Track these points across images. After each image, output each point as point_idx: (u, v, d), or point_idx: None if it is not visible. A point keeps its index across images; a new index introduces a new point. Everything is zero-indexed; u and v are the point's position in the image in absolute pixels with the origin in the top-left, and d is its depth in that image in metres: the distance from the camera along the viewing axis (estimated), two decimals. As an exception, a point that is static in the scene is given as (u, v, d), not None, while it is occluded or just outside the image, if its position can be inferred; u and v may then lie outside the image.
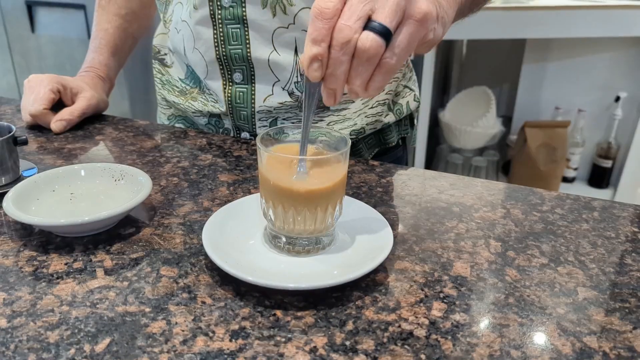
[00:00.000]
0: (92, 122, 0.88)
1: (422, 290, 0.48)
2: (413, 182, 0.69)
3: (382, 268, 0.51)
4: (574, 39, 2.12)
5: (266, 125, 0.77)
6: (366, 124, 0.78)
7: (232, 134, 0.81)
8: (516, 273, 0.51)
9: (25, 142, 0.66)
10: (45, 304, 0.45)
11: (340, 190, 0.50)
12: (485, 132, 2.22)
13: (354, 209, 0.57)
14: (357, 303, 0.46)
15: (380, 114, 0.79)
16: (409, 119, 0.89)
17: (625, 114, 2.14)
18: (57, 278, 0.49)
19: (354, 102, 0.77)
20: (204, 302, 0.46)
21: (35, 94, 0.82)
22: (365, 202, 0.59)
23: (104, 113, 0.94)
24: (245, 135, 0.80)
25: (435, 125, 2.35)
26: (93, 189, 0.60)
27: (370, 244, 0.51)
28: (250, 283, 0.45)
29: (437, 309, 0.46)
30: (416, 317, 0.45)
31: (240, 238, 0.53)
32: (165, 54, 0.85)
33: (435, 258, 0.53)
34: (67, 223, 0.52)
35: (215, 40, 0.71)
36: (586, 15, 1.92)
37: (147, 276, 0.49)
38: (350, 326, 0.43)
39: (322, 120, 0.76)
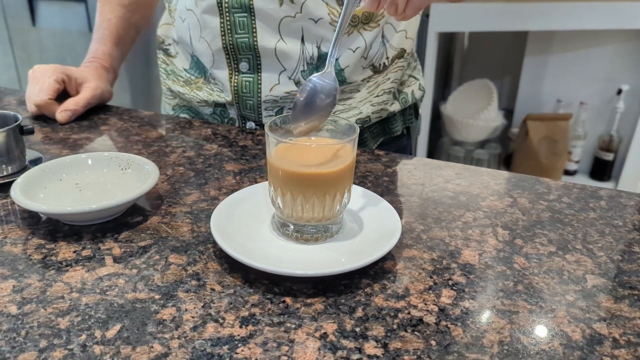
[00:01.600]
0: (96, 112, 0.88)
1: (431, 277, 0.48)
2: (419, 172, 0.69)
3: (390, 256, 0.51)
4: (576, 32, 2.12)
5: (272, 115, 0.77)
6: (372, 113, 0.78)
7: (237, 124, 0.81)
8: (524, 261, 0.51)
9: (31, 132, 0.66)
10: (55, 290, 0.45)
11: (348, 177, 0.50)
12: (487, 125, 2.22)
13: (362, 197, 0.57)
14: (366, 290, 0.46)
15: (385, 102, 0.79)
16: (414, 109, 0.88)
17: (627, 106, 2.14)
18: (66, 266, 0.49)
19: (359, 91, 0.77)
20: (213, 289, 0.46)
21: (40, 84, 0.82)
22: (373, 191, 0.59)
23: (108, 104, 0.94)
24: (250, 125, 0.80)
25: (437, 118, 2.35)
26: (100, 177, 0.60)
27: (378, 232, 0.51)
28: (259, 270, 0.46)
29: (446, 296, 0.46)
30: (425, 304, 0.45)
31: (249, 226, 0.53)
32: (169, 44, 0.85)
33: (444, 246, 0.53)
34: (74, 211, 0.52)
35: (222, 29, 0.71)
36: (588, 8, 1.92)
37: (155, 264, 0.49)
38: (359, 313, 0.43)
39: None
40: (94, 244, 0.52)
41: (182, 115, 0.87)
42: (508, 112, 2.37)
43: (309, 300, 0.45)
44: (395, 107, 0.81)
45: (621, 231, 0.56)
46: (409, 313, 0.44)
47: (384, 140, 0.84)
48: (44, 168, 0.58)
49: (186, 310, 0.43)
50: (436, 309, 0.44)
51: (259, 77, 0.72)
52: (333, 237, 0.51)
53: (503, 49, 2.40)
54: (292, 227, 0.51)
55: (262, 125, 0.78)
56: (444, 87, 2.54)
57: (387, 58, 0.76)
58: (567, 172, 2.32)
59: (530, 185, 0.66)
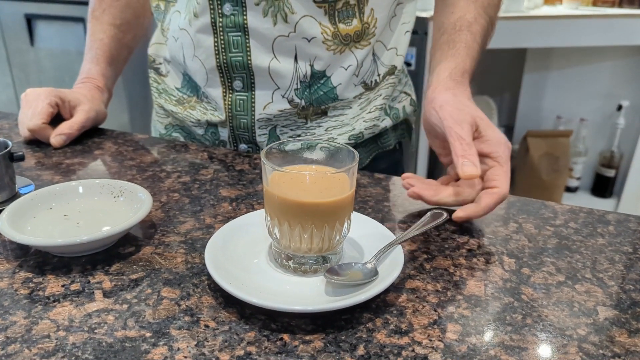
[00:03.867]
0: (90, 136, 0.86)
1: (435, 311, 0.46)
2: (421, 196, 0.67)
3: (392, 288, 0.49)
4: (575, 48, 2.11)
5: (265, 134, 0.76)
6: (364, 129, 0.77)
7: (228, 146, 0.80)
8: (532, 291, 0.49)
9: (22, 158, 0.64)
10: (41, 329, 0.43)
11: (349, 206, 0.48)
12: (487, 142, 2.20)
13: (362, 224, 0.55)
14: (367, 326, 0.44)
15: (377, 118, 0.79)
16: (406, 123, 0.88)
17: (628, 122, 2.13)
18: (54, 301, 0.47)
19: (351, 107, 0.76)
20: (207, 326, 0.44)
21: (33, 108, 0.80)
22: (373, 217, 0.57)
23: (103, 126, 0.92)
24: (242, 147, 0.79)
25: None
26: (91, 206, 0.58)
27: (379, 262, 0.49)
28: (255, 305, 0.43)
29: (451, 331, 0.43)
30: (430, 340, 0.42)
31: (244, 257, 0.51)
32: (160, 63, 0.85)
33: (448, 276, 0.51)
34: (64, 243, 0.50)
35: (216, 47, 0.71)
36: (587, 24, 1.91)
37: (147, 298, 0.47)
38: (361, 350, 0.41)
39: (320, 127, 0.75)
40: (83, 276, 0.50)
41: (174, 134, 0.86)
42: (508, 129, 2.36)
43: (307, 337, 0.43)
44: (387, 122, 0.81)
45: (631, 258, 0.54)
46: (413, 350, 0.41)
47: (377, 155, 0.83)
48: (33, 197, 0.56)
49: (178, 349, 0.41)
50: (442, 345, 0.42)
51: (253, 96, 0.72)
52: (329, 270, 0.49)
53: (502, 66, 2.40)
54: (289, 258, 0.49)
55: (254, 146, 0.78)
56: (443, 104, 2.53)
57: (379, 75, 0.77)
58: (569, 189, 2.30)
59: (535, 210, 0.64)
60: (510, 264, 0.53)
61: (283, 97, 0.72)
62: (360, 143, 0.80)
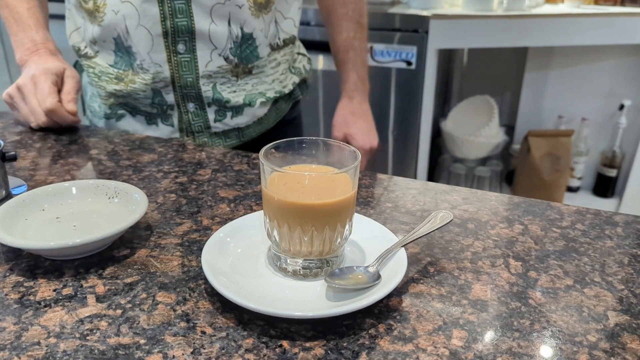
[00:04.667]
0: (86, 135, 0.85)
1: (440, 316, 0.44)
2: (423, 197, 0.65)
3: (395, 292, 0.47)
4: (576, 47, 2.10)
5: (209, 90, 0.84)
6: (282, 87, 0.92)
7: (176, 108, 0.85)
8: (540, 296, 0.47)
9: (14, 158, 0.63)
10: (31, 335, 0.42)
11: (350, 207, 0.46)
12: (488, 142, 2.19)
13: (363, 226, 0.53)
14: (370, 332, 0.42)
15: (285, 76, 0.94)
16: (304, 82, 1.02)
17: (629, 122, 2.11)
18: (45, 306, 0.45)
19: (266, 66, 0.88)
20: (203, 332, 0.42)
21: (39, 93, 0.80)
22: (374, 219, 0.56)
23: (99, 126, 0.91)
24: (190, 105, 0.85)
25: (437, 135, 2.32)
26: (85, 207, 0.57)
27: (382, 265, 0.48)
28: (253, 311, 0.42)
29: (457, 338, 0.42)
30: (435, 347, 0.41)
31: (243, 260, 0.49)
32: (86, 47, 0.87)
33: (452, 280, 0.49)
34: (56, 246, 0.48)
35: (162, 15, 0.78)
36: (589, 23, 1.90)
37: (142, 303, 0.45)
38: (364, 358, 0.40)
39: (247, 84, 0.87)
40: (76, 280, 0.48)
41: (120, 111, 0.88)
42: (509, 129, 2.35)
43: (308, 344, 0.41)
44: (295, 79, 0.96)
45: (641, 261, 0.53)
46: (417, 358, 0.40)
47: (282, 120, 0.96)
48: (25, 198, 0.55)
49: (173, 357, 0.39)
50: (447, 352, 0.40)
51: (195, 56, 0.81)
52: (331, 274, 0.48)
53: (503, 65, 2.39)
54: (289, 262, 0.47)
55: (201, 104, 0.85)
56: (443, 103, 2.51)
57: (279, 39, 0.90)
58: (570, 189, 2.29)
59: (541, 211, 0.62)
60: (516, 267, 0.51)
61: (220, 55, 0.82)
62: (281, 97, 0.94)
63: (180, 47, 0.80)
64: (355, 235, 0.52)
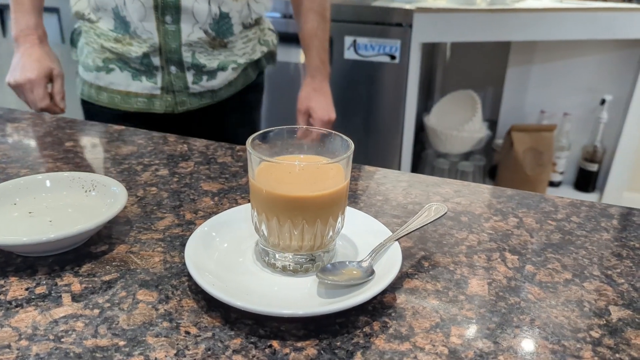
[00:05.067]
0: (62, 127, 0.81)
1: (437, 312, 0.42)
2: (415, 190, 0.63)
3: (389, 288, 0.45)
4: (559, 42, 2.10)
5: (189, 56, 0.94)
6: (251, 55, 1.03)
7: (160, 70, 0.95)
8: (539, 290, 0.45)
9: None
10: (1, 337, 0.38)
11: (343, 199, 0.44)
12: (471, 137, 2.19)
13: (354, 220, 0.51)
14: (365, 330, 0.40)
15: (255, 49, 1.05)
16: (272, 55, 1.12)
17: (611, 117, 2.13)
18: (16, 306, 0.42)
19: (238, 42, 0.99)
20: (188, 332, 0.39)
21: (36, 96, 0.93)
22: (365, 212, 0.54)
23: (76, 118, 0.87)
24: (172, 68, 0.94)
25: (420, 130, 2.31)
26: (60, 201, 0.54)
27: (375, 260, 0.46)
28: (241, 309, 0.39)
29: (455, 335, 0.40)
30: (433, 346, 0.39)
31: (228, 256, 0.46)
32: (90, 13, 0.96)
33: (448, 275, 0.47)
34: (29, 242, 0.45)
35: None
36: (571, 18, 1.90)
37: (121, 302, 0.43)
38: (358, 358, 0.37)
39: (220, 54, 0.97)
40: (50, 279, 0.45)
41: (111, 65, 0.96)
42: (492, 124, 2.35)
43: (299, 344, 0.39)
44: (263, 49, 1.07)
45: (639, 254, 0.51)
46: (415, 357, 0.38)
47: (249, 86, 1.07)
48: (-5, 191, 0.51)
49: (156, 359, 0.37)
50: (446, 351, 0.38)
51: (179, 27, 0.92)
52: (322, 270, 0.45)
53: (485, 60, 2.39)
54: (278, 257, 0.45)
55: (181, 66, 0.95)
56: (426, 98, 2.51)
57: (252, 18, 1.02)
58: (552, 184, 2.30)
59: (535, 204, 0.61)
60: (513, 261, 0.50)
61: (200, 28, 0.93)
62: (249, 65, 1.05)
63: (168, 19, 0.91)
64: (346, 229, 0.49)
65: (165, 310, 0.42)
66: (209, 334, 0.39)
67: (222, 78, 0.98)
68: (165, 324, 0.40)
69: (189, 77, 0.95)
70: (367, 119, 1.98)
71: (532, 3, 2.02)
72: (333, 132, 0.46)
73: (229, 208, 0.55)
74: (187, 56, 0.94)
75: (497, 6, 1.95)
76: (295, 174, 0.43)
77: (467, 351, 0.38)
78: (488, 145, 2.35)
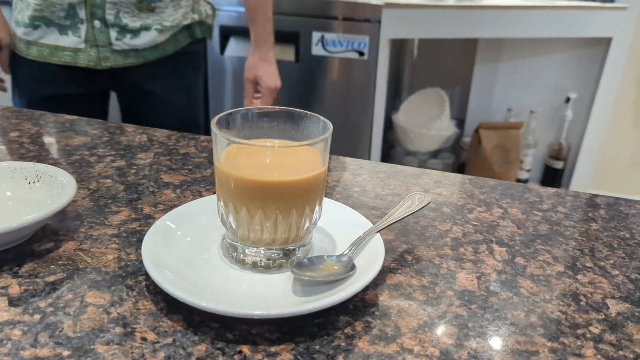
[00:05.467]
0: (7, 117, 0.74)
1: (425, 310, 0.38)
2: (393, 181, 0.60)
3: (371, 284, 0.41)
4: (525, 40, 2.11)
5: (112, 14, 0.93)
6: (182, 20, 1.02)
7: (85, 23, 0.94)
8: (531, 284, 0.42)
9: None
10: None
11: (320, 186, 0.40)
12: (439, 134, 2.18)
13: (331, 211, 0.47)
14: (346, 331, 0.36)
15: (188, 13, 1.04)
16: (207, 26, 1.11)
17: (575, 114, 2.15)
18: (-59, 313, 0.36)
19: (168, 7, 0.99)
20: (144, 339, 0.34)
21: None
22: (342, 204, 0.49)
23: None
24: (97, 22, 0.93)
25: (389, 128, 2.29)
26: (-1, 193, 0.48)
27: (356, 255, 0.41)
28: (206, 311, 0.35)
29: (446, 335, 0.36)
30: (423, 347, 0.35)
31: (192, 252, 0.41)
32: None
33: (434, 269, 0.43)
34: (-42, 238, 0.39)
35: None
36: (537, 15, 1.91)
37: (67, 305, 0.37)
38: (340, 363, 0.33)
39: (148, 18, 0.96)
40: (-16, 281, 0.39)
41: (36, 22, 0.94)
42: (460, 122, 2.35)
43: (273, 349, 0.34)
44: (195, 16, 1.05)
45: (631, 244, 0.49)
46: (403, 360, 0.34)
47: (190, 42, 1.06)
48: None
49: (106, 371, 0.32)
50: (437, 352, 0.34)
51: None
52: (298, 265, 0.41)
53: (453, 58, 2.38)
54: (248, 252, 0.40)
55: (105, 22, 0.94)
56: (394, 96, 2.49)
57: None
58: (519, 181, 2.31)
59: (519, 194, 0.58)
60: (501, 253, 0.46)
61: None
62: (179, 31, 1.03)
63: None
64: (323, 221, 0.45)
65: (118, 314, 0.37)
66: (169, 339, 0.34)
67: (146, 38, 0.97)
68: (118, 330, 0.35)
69: (112, 33, 0.95)
70: (335, 116, 1.94)
71: (499, 0, 2.02)
72: (309, 112, 0.41)
73: (192, 200, 0.50)
74: (110, 14, 0.94)
75: (465, 3, 1.94)
76: (268, 158, 0.38)
77: (460, 352, 0.35)
78: (456, 143, 2.34)
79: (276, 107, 0.41)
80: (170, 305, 0.37)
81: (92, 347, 0.33)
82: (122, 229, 0.47)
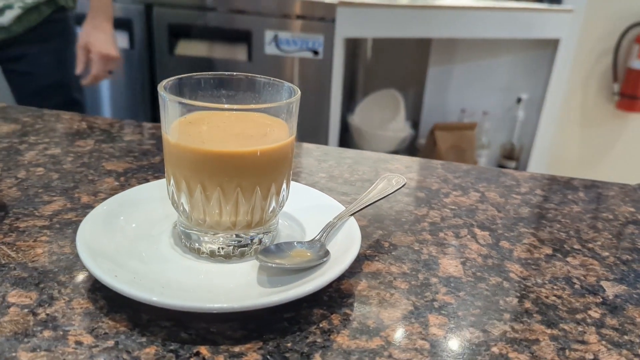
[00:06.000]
0: None
1: (408, 299, 0.34)
2: (361, 166, 0.55)
3: (346, 273, 0.36)
4: (478, 41, 2.13)
5: None
6: None
7: None
8: (520, 268, 0.38)
9: None
10: None
11: (288, 160, 0.35)
12: (395, 136, 2.16)
13: (298, 194, 0.42)
14: (321, 325, 0.31)
15: None
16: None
17: (527, 115, 2.18)
18: None
19: None
20: (79, 343, 0.28)
21: None
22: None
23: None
24: None
25: (344, 129, 2.26)
26: None
27: (328, 240, 0.36)
28: (155, 306, 0.29)
29: (436, 325, 0.32)
30: (410, 340, 0.30)
31: (138, 240, 0.36)
32: None
33: (414, 255, 0.39)
34: None
35: None
36: (489, 16, 1.93)
37: (-17, 307, 0.30)
38: (317, 362, 0.28)
39: None
40: None
41: None
42: (414, 123, 2.34)
43: (237, 349, 0.29)
44: None
45: (615, 225, 0.46)
46: (390, 356, 0.29)
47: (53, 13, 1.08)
48: None
49: (29, 384, 0.25)
50: (427, 345, 0.30)
51: None
52: (264, 252, 0.35)
53: (406, 60, 2.38)
54: (204, 239, 0.35)
55: None
56: (349, 99, 2.47)
57: None
58: (474, 182, 2.32)
59: (494, 178, 0.54)
60: (484, 237, 0.42)
61: None
62: (43, 1, 1.05)
63: None
64: (288, 205, 0.40)
65: (47, 314, 0.30)
66: (110, 342, 0.28)
67: (10, 16, 1.00)
68: (47, 334, 0.29)
69: None
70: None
71: (452, 1, 2.03)
72: (272, 78, 0.36)
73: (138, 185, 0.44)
74: None
75: (419, 3, 1.94)
76: (226, 126, 0.33)
77: (450, 343, 0.30)
78: (411, 144, 2.34)
79: (234, 72, 0.36)
80: (112, 303, 0.31)
81: (13, 354, 0.27)
82: (55, 219, 0.41)
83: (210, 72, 0.36)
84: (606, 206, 0.49)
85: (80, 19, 1.17)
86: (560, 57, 2.03)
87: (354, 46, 2.32)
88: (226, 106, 0.30)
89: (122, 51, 1.94)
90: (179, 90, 0.35)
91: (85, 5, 1.20)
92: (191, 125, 0.32)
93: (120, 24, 1.90)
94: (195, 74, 0.35)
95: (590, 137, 2.29)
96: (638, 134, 2.23)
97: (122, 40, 1.91)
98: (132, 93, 1.99)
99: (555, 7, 2.04)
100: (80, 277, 0.34)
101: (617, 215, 0.48)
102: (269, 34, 1.82)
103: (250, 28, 1.85)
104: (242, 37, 1.85)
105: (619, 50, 2.09)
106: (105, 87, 1.98)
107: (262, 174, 0.33)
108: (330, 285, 0.34)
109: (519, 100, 2.18)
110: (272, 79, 0.36)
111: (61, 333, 0.29)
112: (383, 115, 2.19)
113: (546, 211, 0.48)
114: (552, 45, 2.03)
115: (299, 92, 0.34)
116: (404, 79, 2.40)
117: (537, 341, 0.31)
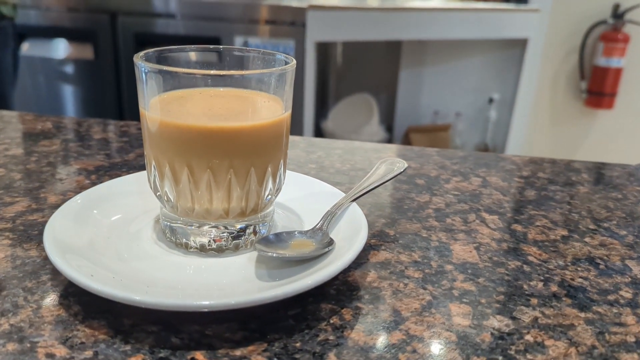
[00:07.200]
0: None
1: (425, 288, 0.30)
2: (353, 156, 0.52)
3: (352, 264, 0.32)
4: (448, 43, 2.14)
5: None
6: None
7: None
8: (538, 251, 0.35)
9: None
10: None
11: (284, 138, 0.31)
12: (370, 140, 2.14)
13: (293, 182, 0.38)
14: (332, 321, 0.27)
15: None
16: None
17: (499, 115, 2.19)
18: None
19: None
20: (51, 355, 0.24)
21: None
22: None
23: None
24: None
25: (319, 136, 2.23)
26: None
27: (330, 229, 0.33)
28: (140, 307, 0.25)
29: (459, 315, 0.28)
30: (434, 333, 0.27)
31: (117, 238, 0.31)
32: None
33: (423, 242, 0.36)
34: None
35: None
36: (458, 18, 1.93)
37: None
38: (333, 362, 0.24)
39: None
40: None
41: None
42: (388, 126, 2.33)
43: (238, 352, 0.25)
44: None
45: (627, 204, 0.43)
46: (414, 351, 0.25)
47: None
48: None
49: (-10, 407, 0.21)
50: (453, 337, 0.26)
51: None
52: (263, 241, 0.31)
53: (378, 64, 2.37)
54: (192, 231, 0.30)
55: None
56: (322, 105, 2.44)
57: None
58: (449, 183, 2.32)
59: (493, 163, 0.52)
60: (494, 222, 0.39)
61: None
62: None
63: None
64: (285, 195, 0.36)
65: (11, 325, 0.26)
66: (89, 352, 0.24)
67: None
68: (12, 347, 0.24)
69: None
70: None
71: (422, 3, 2.03)
72: (263, 50, 0.33)
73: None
74: None
75: (388, 5, 1.93)
76: (215, 100, 0.29)
77: (481, 334, 0.27)
78: (386, 148, 2.32)
79: (221, 46, 0.32)
80: (88, 308, 0.27)
81: (-31, 374, 0.23)
82: (19, 221, 0.36)
83: (194, 45, 0.32)
84: (614, 186, 0.47)
85: (18, 28, 1.17)
86: (529, 56, 2.05)
87: (325, 51, 2.30)
88: (212, 72, 0.26)
89: (87, 63, 1.87)
90: (159, 59, 0.31)
91: (29, 15, 1.21)
92: (175, 100, 0.28)
93: (85, 35, 1.84)
94: (176, 47, 0.31)
95: (560, 134, 2.32)
96: (606, 130, 2.26)
97: (87, 52, 1.84)
98: (98, 105, 1.92)
99: (522, 7, 2.06)
100: (50, 281, 0.29)
101: (625, 194, 0.45)
102: (238, 40, 1.79)
103: (218, 35, 1.81)
104: (211, 44, 1.81)
105: (584, 49, 2.12)
106: (69, 99, 1.91)
107: (258, 153, 0.29)
108: (336, 277, 0.30)
109: (490, 100, 2.19)
110: (262, 50, 0.32)
111: (28, 345, 0.24)
112: (357, 119, 2.17)
113: (553, 193, 0.45)
114: (520, 45, 2.05)
115: (294, 61, 0.30)
116: (376, 83, 2.39)
117: (572, 326, 0.28)
